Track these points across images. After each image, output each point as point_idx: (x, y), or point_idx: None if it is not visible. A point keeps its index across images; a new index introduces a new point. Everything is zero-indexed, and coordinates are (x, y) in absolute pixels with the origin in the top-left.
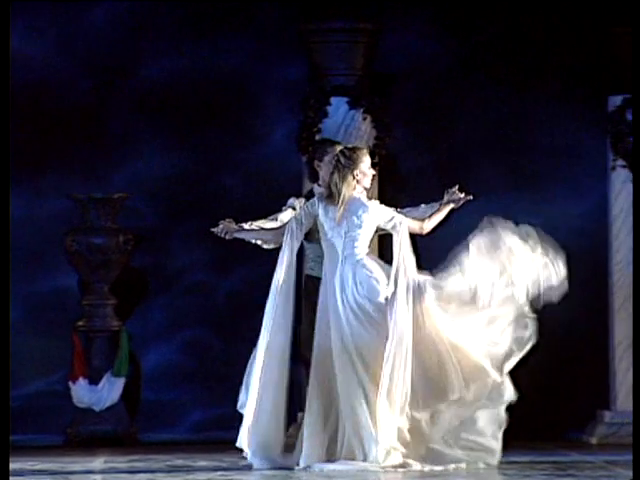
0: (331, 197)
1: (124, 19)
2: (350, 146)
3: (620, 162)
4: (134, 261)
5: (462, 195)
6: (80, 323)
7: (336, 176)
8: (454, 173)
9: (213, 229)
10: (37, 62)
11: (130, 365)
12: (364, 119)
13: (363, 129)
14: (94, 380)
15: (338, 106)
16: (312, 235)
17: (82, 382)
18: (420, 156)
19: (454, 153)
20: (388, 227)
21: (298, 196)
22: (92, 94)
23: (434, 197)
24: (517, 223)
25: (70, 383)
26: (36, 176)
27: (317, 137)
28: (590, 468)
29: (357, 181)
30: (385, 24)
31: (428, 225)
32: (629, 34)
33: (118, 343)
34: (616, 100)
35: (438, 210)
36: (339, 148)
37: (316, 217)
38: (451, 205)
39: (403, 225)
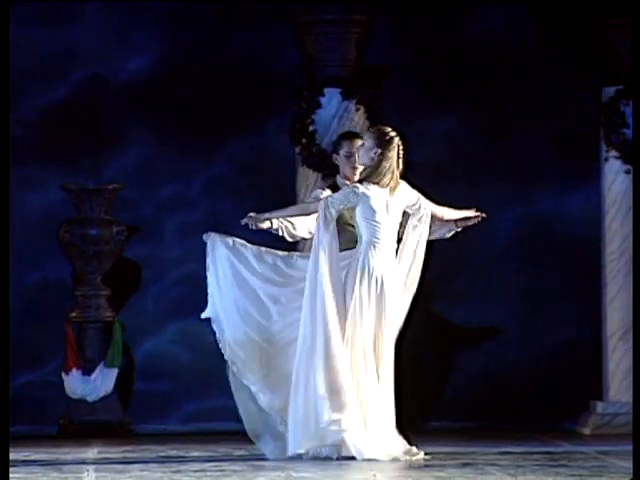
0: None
1: (115, 10)
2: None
3: (613, 153)
4: (127, 252)
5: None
6: (73, 314)
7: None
8: (447, 163)
9: (241, 220)
10: (28, 54)
11: (123, 356)
12: (357, 110)
13: (356, 120)
14: (87, 371)
15: (331, 97)
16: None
17: (75, 373)
18: (413, 147)
19: (447, 143)
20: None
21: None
22: (85, 86)
23: (425, 188)
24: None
25: (63, 374)
26: (30, 167)
27: (310, 128)
28: (583, 459)
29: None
30: (378, 16)
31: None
32: (623, 26)
33: (111, 334)
34: (609, 91)
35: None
36: (359, 142)
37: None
38: (468, 221)
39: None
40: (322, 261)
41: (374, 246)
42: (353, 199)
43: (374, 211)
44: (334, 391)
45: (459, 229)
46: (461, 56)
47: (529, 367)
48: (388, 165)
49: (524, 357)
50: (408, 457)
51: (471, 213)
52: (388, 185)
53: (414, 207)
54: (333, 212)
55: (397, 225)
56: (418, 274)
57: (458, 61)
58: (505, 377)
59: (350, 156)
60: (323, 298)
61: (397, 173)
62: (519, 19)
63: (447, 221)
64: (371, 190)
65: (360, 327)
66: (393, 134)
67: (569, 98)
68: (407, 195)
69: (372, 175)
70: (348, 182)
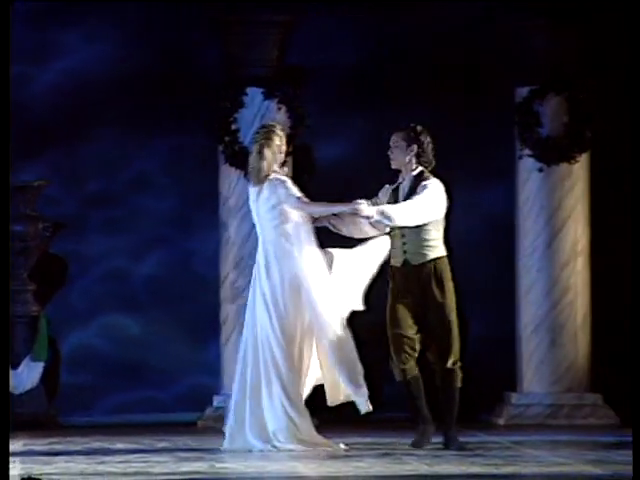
0: None
1: (42, 10)
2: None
3: (527, 151)
4: (53, 248)
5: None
6: None
7: None
8: (366, 162)
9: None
10: None
11: (49, 349)
12: (279, 109)
13: (278, 119)
14: (14, 364)
15: (253, 96)
16: None
17: None
18: (333, 146)
19: (365, 143)
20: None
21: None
22: (12, 84)
23: (347, 186)
24: None
25: None
26: None
27: (233, 126)
28: (497, 448)
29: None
30: (299, 17)
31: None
32: (537, 27)
33: (37, 328)
34: (523, 92)
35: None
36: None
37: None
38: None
39: None
40: None
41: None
42: None
43: None
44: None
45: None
46: (381, 56)
47: None
48: None
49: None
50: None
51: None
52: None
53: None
54: None
55: (261, 220)
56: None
57: (378, 61)
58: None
59: None
60: None
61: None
62: (436, 20)
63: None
64: None
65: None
66: None
67: (485, 98)
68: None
69: None
70: None
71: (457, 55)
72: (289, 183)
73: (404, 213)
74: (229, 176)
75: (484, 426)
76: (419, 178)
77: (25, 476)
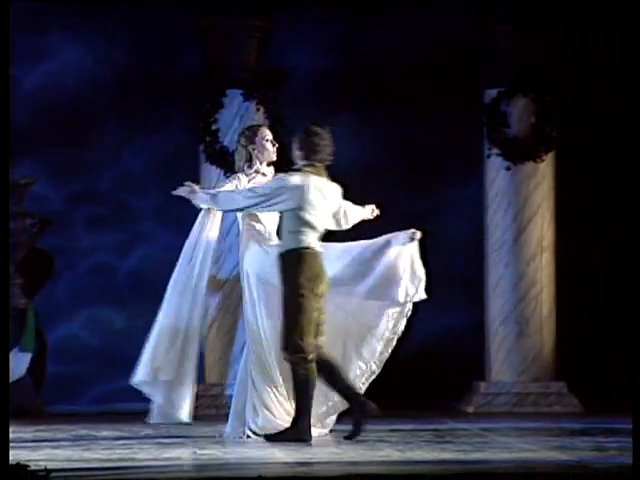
0: None
1: (26, 12)
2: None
3: (495, 151)
4: (40, 243)
5: None
6: None
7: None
8: (342, 159)
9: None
10: None
11: (36, 341)
12: (257, 110)
13: (256, 119)
14: None
15: (233, 98)
16: None
17: None
18: None
19: (342, 143)
20: None
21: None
22: None
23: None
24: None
25: None
26: None
27: (213, 127)
28: (466, 435)
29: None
30: (277, 21)
31: None
32: (505, 32)
33: (25, 320)
34: (492, 93)
35: None
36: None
37: None
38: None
39: None
40: None
41: None
42: None
43: None
44: None
45: None
46: (358, 59)
47: (417, 349)
48: None
49: (413, 339)
50: None
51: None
52: None
53: None
54: None
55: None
56: None
57: (355, 64)
58: (394, 358)
59: None
60: None
61: None
62: (407, 24)
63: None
64: None
65: None
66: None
67: (455, 100)
68: None
69: None
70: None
71: (428, 58)
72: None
73: (222, 197)
74: (209, 174)
75: (454, 414)
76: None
77: (13, 462)
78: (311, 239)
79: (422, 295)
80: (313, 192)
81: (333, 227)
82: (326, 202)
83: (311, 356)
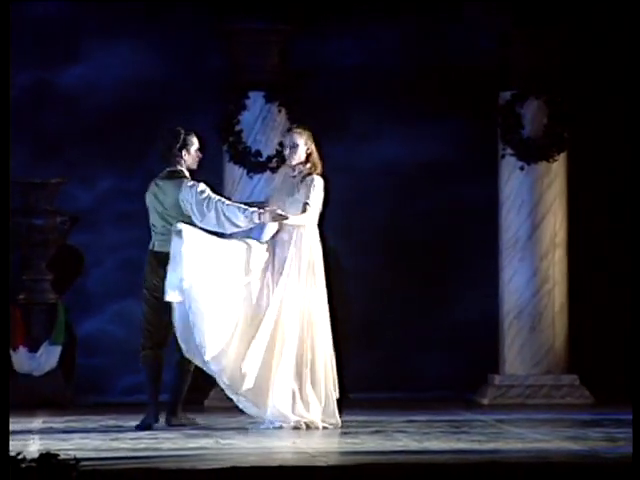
0: None
1: (53, 21)
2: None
3: (509, 151)
4: (70, 240)
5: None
6: (21, 296)
7: None
8: (358, 160)
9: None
10: None
11: (66, 334)
12: (279, 111)
13: (278, 120)
14: (33, 348)
15: (255, 99)
16: None
17: (22, 350)
18: (329, 145)
19: (358, 142)
20: None
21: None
22: (30, 91)
23: (339, 182)
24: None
25: (11, 351)
26: None
27: (236, 128)
28: (481, 426)
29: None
30: (298, 25)
31: None
32: (519, 36)
33: (55, 314)
34: (505, 96)
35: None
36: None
37: None
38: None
39: None
40: None
41: None
42: None
43: None
44: None
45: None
46: (379, 61)
47: (433, 342)
48: None
49: (430, 333)
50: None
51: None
52: None
53: None
54: None
55: None
56: None
57: (372, 65)
58: (412, 352)
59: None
60: None
61: None
62: (427, 27)
63: None
64: None
65: None
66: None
67: (471, 101)
68: None
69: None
70: None
71: (445, 60)
72: None
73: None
74: (232, 174)
75: (469, 405)
76: None
77: (43, 452)
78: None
79: None
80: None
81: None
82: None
83: None
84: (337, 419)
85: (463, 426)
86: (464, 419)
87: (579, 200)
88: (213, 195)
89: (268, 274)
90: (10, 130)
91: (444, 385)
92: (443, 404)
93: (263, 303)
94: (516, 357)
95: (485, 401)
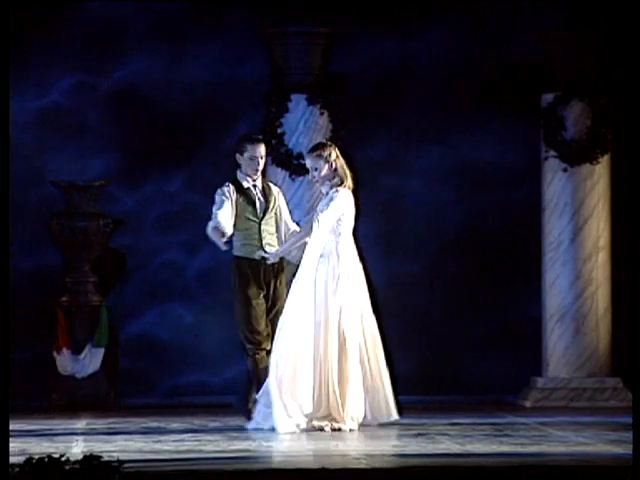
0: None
1: (100, 25)
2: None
3: (552, 153)
4: (113, 242)
5: None
6: (64, 299)
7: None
8: (401, 162)
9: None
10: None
11: (109, 336)
12: (321, 114)
13: (320, 123)
14: (77, 350)
15: (298, 102)
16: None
17: (66, 352)
18: (371, 147)
19: (401, 144)
20: None
21: None
22: (73, 92)
23: (383, 183)
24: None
25: (55, 353)
26: (25, 164)
27: (279, 130)
28: (524, 429)
29: None
30: (339, 28)
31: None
32: (559, 38)
33: (98, 317)
34: (548, 98)
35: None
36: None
37: None
38: None
39: None
40: None
41: None
42: None
43: None
44: None
45: None
46: (414, 65)
47: (477, 345)
48: None
49: (473, 337)
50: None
51: None
52: None
53: None
54: None
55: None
56: None
57: (414, 69)
58: (454, 355)
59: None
60: None
61: None
62: (467, 30)
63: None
64: None
65: None
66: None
67: (513, 103)
68: None
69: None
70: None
71: (489, 63)
72: None
73: None
74: (275, 176)
75: (512, 408)
76: None
77: (87, 454)
78: None
79: None
80: None
81: None
82: None
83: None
84: (395, 415)
85: (506, 429)
86: (507, 422)
87: (622, 202)
88: (217, 204)
89: (320, 297)
90: (10, 131)
91: (487, 388)
92: (486, 407)
93: (323, 327)
94: (559, 360)
95: (528, 404)
